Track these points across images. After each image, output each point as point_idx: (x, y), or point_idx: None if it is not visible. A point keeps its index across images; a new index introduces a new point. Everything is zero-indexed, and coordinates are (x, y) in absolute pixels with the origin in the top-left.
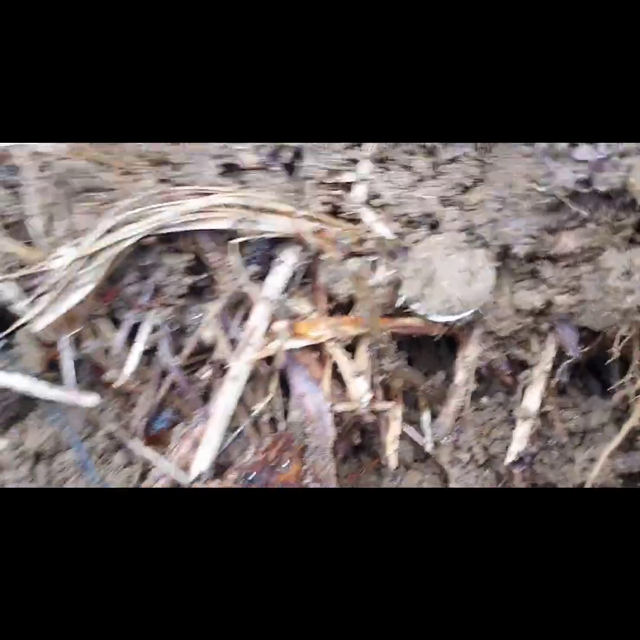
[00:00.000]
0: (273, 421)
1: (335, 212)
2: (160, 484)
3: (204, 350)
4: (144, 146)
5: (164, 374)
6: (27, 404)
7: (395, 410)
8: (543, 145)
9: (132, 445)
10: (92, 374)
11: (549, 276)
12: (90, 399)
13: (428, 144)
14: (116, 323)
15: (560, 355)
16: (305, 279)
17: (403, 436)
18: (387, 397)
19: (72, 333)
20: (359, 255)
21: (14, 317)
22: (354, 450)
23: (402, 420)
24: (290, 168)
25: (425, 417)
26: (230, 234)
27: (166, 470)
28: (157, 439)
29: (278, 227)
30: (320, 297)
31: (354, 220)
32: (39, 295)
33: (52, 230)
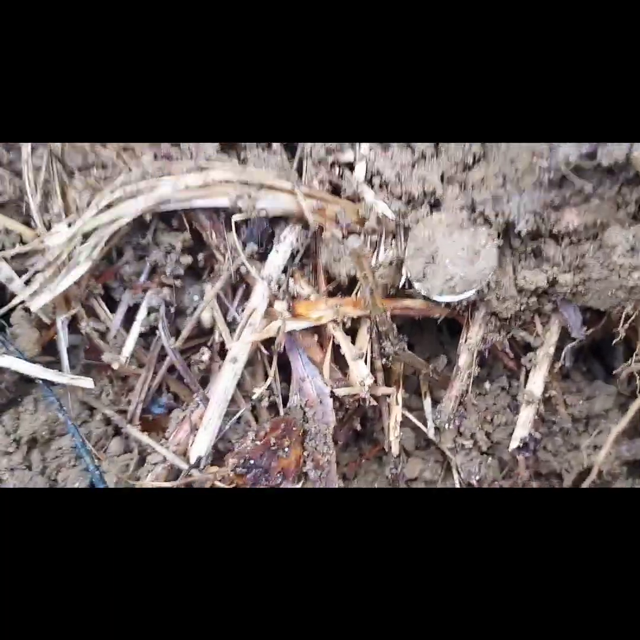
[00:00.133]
0: (273, 406)
1: (335, 190)
2: (158, 469)
3: (203, 334)
4: None
5: (161, 357)
6: (21, 389)
7: (397, 395)
8: None
9: (128, 431)
10: (88, 357)
11: (553, 255)
12: (86, 382)
13: None
14: (113, 304)
15: (564, 337)
16: (305, 260)
17: (404, 423)
18: (388, 382)
19: (68, 314)
20: (359, 234)
21: (11, 297)
22: (354, 437)
23: (403, 407)
24: (290, 146)
25: (427, 403)
26: (229, 212)
27: (164, 455)
28: (154, 424)
29: (278, 204)
30: (320, 277)
31: (355, 199)
32: (34, 273)
33: (49, 208)
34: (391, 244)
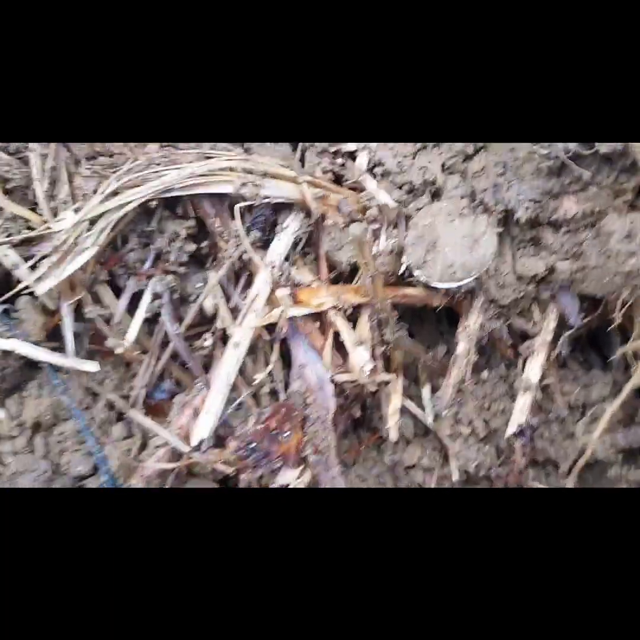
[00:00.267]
0: (273, 393)
1: (337, 180)
2: (161, 452)
3: (205, 321)
4: None
5: (164, 343)
6: (25, 373)
7: (396, 383)
8: None
9: (131, 415)
10: (92, 343)
11: (551, 242)
12: (90, 365)
13: None
14: (117, 290)
15: (562, 326)
16: (306, 248)
17: (403, 411)
18: (388, 370)
19: (73, 299)
20: (361, 222)
21: (17, 284)
22: (353, 425)
23: (403, 395)
24: None
25: (426, 391)
26: (233, 200)
27: (166, 438)
28: (157, 410)
29: (281, 192)
30: (322, 265)
31: (357, 188)
32: (41, 259)
33: (55, 195)
34: (392, 233)
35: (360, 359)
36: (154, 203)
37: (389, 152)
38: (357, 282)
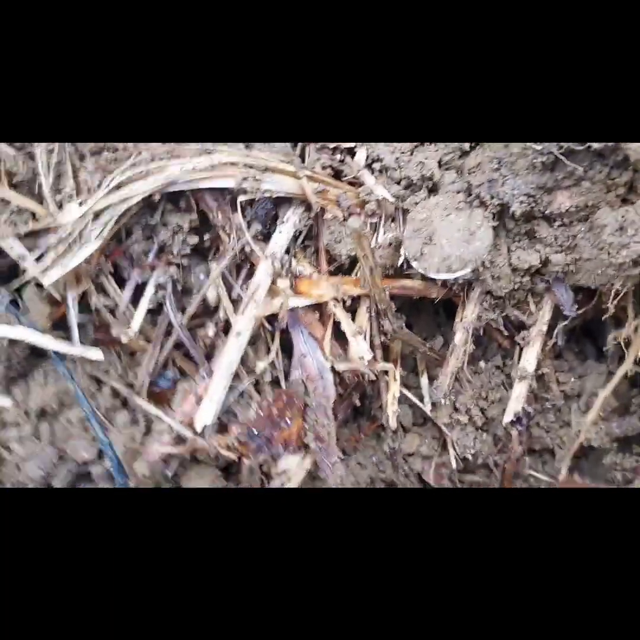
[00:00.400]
0: (275, 381)
1: (336, 175)
2: (165, 439)
3: (208, 312)
4: None
5: (167, 333)
6: (31, 362)
7: (395, 372)
8: None
9: (136, 403)
10: (97, 333)
11: (545, 235)
12: (95, 353)
13: None
14: (121, 282)
15: (557, 317)
16: (306, 242)
17: (402, 400)
18: (387, 360)
19: (78, 290)
20: (360, 215)
21: (24, 273)
22: (353, 414)
23: (401, 385)
24: None
25: (424, 381)
26: (235, 194)
27: (170, 424)
28: (160, 398)
29: (282, 186)
30: (322, 258)
31: (355, 183)
32: (47, 249)
33: (61, 188)
34: (390, 227)
35: (360, 348)
36: (158, 197)
37: (387, 149)
38: (356, 274)
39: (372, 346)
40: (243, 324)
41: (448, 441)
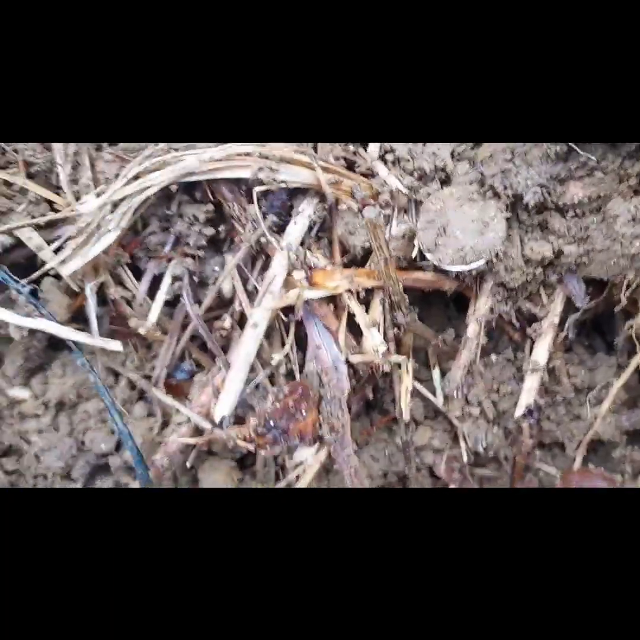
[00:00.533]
0: (289, 374)
1: (350, 167)
2: (183, 429)
3: (223, 305)
4: None
5: (183, 326)
6: (49, 354)
7: (408, 365)
8: None
9: (153, 394)
10: (114, 324)
11: (558, 227)
12: (115, 344)
13: None
14: (138, 273)
15: (568, 309)
16: (320, 233)
17: (414, 393)
18: (399, 353)
19: (96, 281)
20: (375, 206)
21: (42, 264)
22: (365, 407)
23: (413, 378)
24: None
25: (436, 374)
26: (250, 185)
27: (188, 415)
28: (177, 389)
29: (297, 177)
30: (336, 249)
31: (368, 174)
32: (66, 240)
33: (78, 179)
34: (403, 218)
35: (374, 340)
36: (174, 187)
37: None
38: (369, 265)
39: (385, 338)
40: (259, 315)
41: (459, 434)
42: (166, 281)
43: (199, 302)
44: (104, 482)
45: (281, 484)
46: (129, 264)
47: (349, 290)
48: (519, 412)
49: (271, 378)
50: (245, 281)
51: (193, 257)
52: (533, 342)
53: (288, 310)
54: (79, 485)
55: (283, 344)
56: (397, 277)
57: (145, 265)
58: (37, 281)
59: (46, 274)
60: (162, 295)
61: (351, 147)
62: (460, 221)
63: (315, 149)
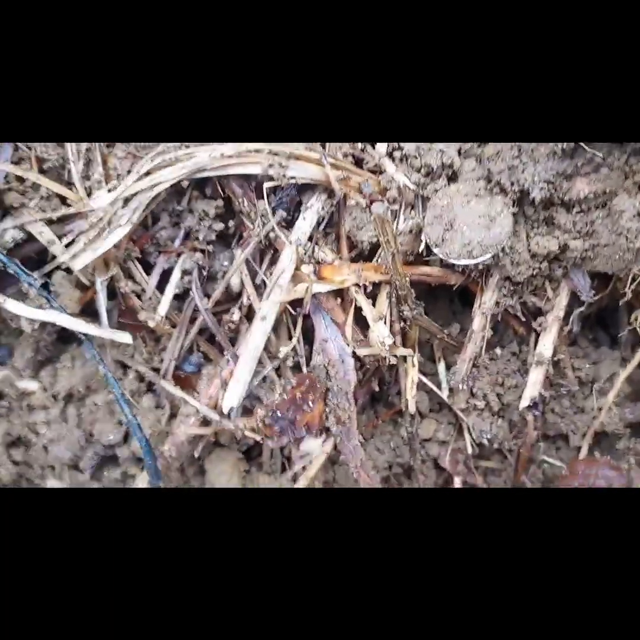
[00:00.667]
0: (296, 366)
1: (358, 163)
2: (191, 421)
3: (231, 299)
4: None
5: (192, 319)
6: (58, 346)
7: (413, 358)
8: None
9: (162, 386)
10: (123, 318)
11: (564, 222)
12: (125, 336)
13: None
14: (148, 267)
15: (573, 303)
16: (328, 228)
17: (419, 386)
18: (405, 346)
19: (107, 275)
20: (383, 201)
21: (53, 258)
22: (371, 401)
23: (419, 371)
24: None
25: (441, 367)
26: (260, 181)
27: (197, 407)
28: (185, 382)
29: (306, 173)
30: (343, 244)
31: (376, 171)
32: (78, 234)
33: (90, 175)
34: (410, 214)
35: (381, 333)
36: (185, 183)
37: None
38: (376, 260)
39: (391, 332)
40: (268, 308)
41: (464, 427)
42: (176, 275)
43: (207, 295)
44: (111, 473)
45: (287, 475)
46: (139, 258)
47: (356, 285)
48: (523, 404)
49: (278, 370)
50: (253, 275)
51: (202, 251)
52: (538, 336)
53: (295, 303)
54: (86, 476)
55: (290, 337)
56: (404, 272)
57: (155, 259)
58: (49, 275)
59: (57, 267)
60: (171, 289)
61: (359, 144)
62: (467, 216)
63: (324, 146)
